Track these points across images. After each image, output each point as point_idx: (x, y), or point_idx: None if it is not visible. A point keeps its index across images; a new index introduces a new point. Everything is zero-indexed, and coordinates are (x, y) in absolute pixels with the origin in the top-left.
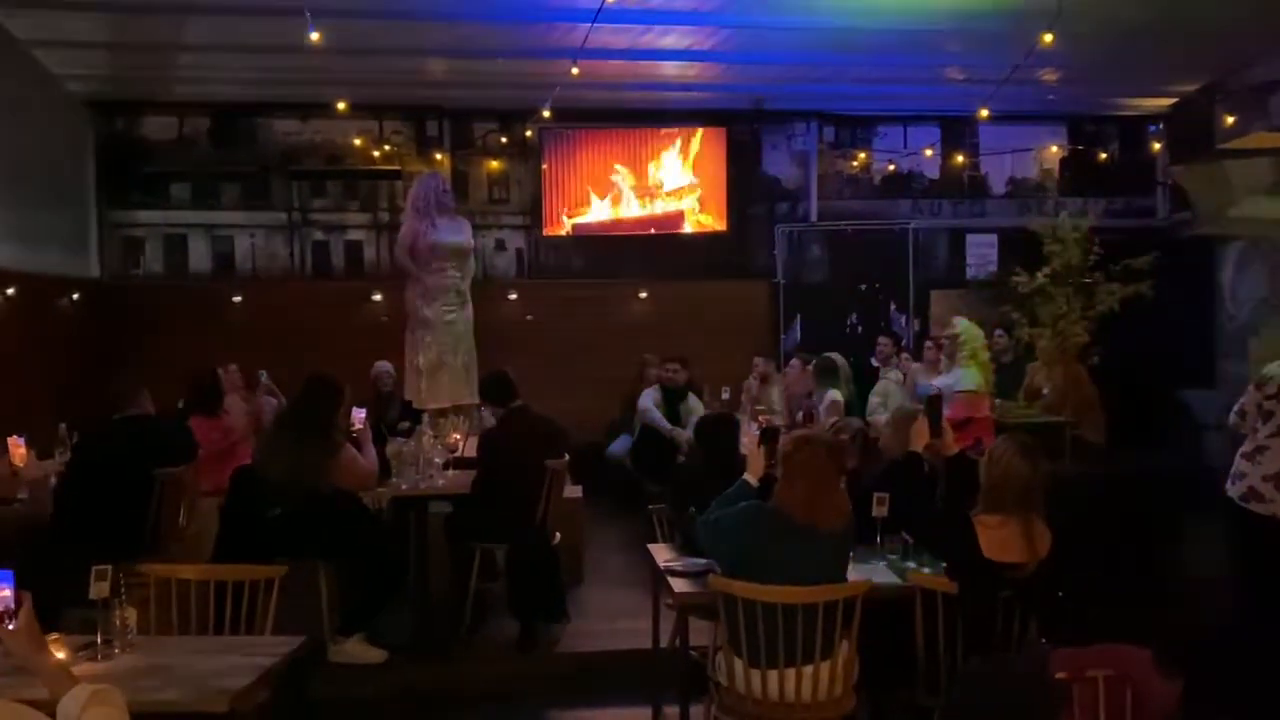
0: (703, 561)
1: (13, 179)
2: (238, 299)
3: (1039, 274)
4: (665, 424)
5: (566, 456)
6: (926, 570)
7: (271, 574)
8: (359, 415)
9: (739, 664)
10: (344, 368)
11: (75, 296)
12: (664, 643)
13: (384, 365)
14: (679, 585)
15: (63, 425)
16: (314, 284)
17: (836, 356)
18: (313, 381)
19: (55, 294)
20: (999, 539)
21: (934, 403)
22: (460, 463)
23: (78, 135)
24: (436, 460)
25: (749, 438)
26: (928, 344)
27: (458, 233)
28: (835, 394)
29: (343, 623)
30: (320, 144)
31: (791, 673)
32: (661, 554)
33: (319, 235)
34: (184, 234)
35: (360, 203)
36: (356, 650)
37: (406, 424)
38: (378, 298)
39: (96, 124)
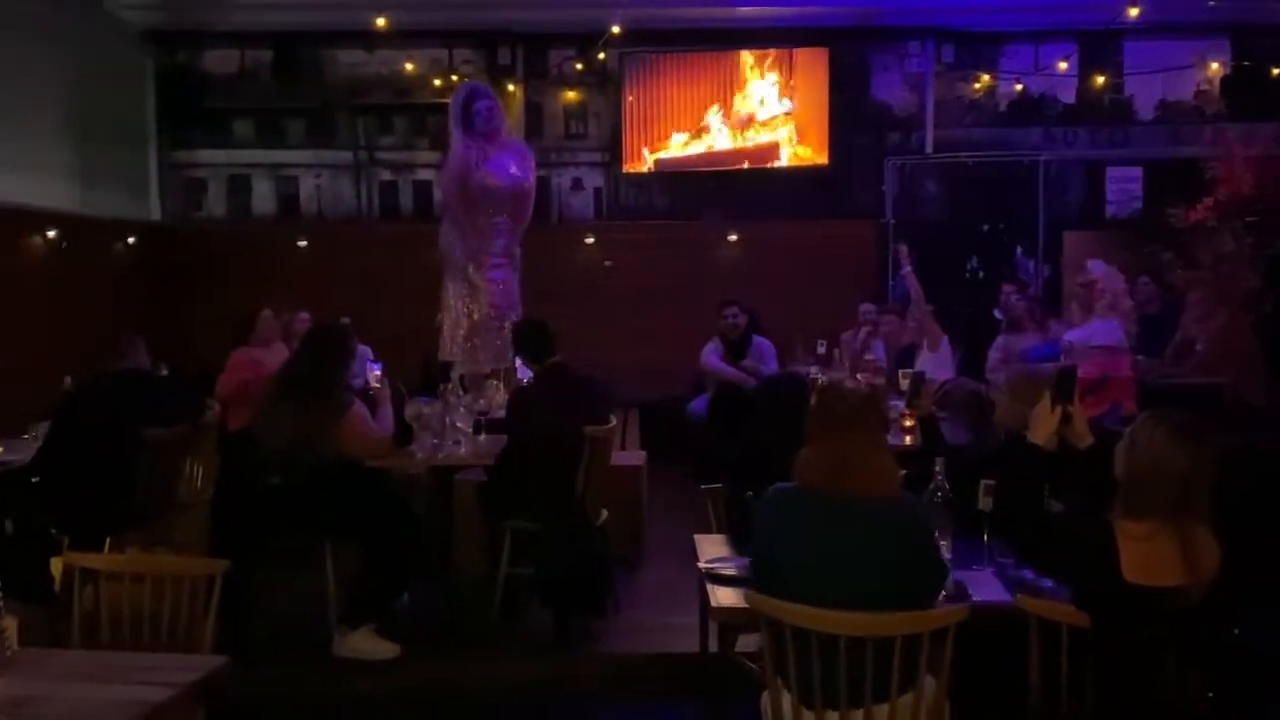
0: None
1: (67, 116)
2: (303, 243)
3: (1199, 205)
4: (732, 371)
5: (613, 421)
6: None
7: (211, 569)
8: (375, 371)
9: (787, 701)
10: (412, 316)
11: (132, 240)
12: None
13: None
14: (723, 595)
15: (68, 379)
16: (382, 226)
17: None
18: (316, 333)
19: (113, 237)
20: (1145, 555)
21: (1065, 378)
22: (495, 425)
23: (135, 69)
24: (460, 425)
25: None
26: (1014, 297)
27: (507, 168)
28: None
29: (350, 611)
30: (387, 76)
31: (858, 715)
32: (709, 548)
33: (386, 175)
34: (247, 174)
35: (430, 140)
36: (364, 644)
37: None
38: None
39: (154, 57)
